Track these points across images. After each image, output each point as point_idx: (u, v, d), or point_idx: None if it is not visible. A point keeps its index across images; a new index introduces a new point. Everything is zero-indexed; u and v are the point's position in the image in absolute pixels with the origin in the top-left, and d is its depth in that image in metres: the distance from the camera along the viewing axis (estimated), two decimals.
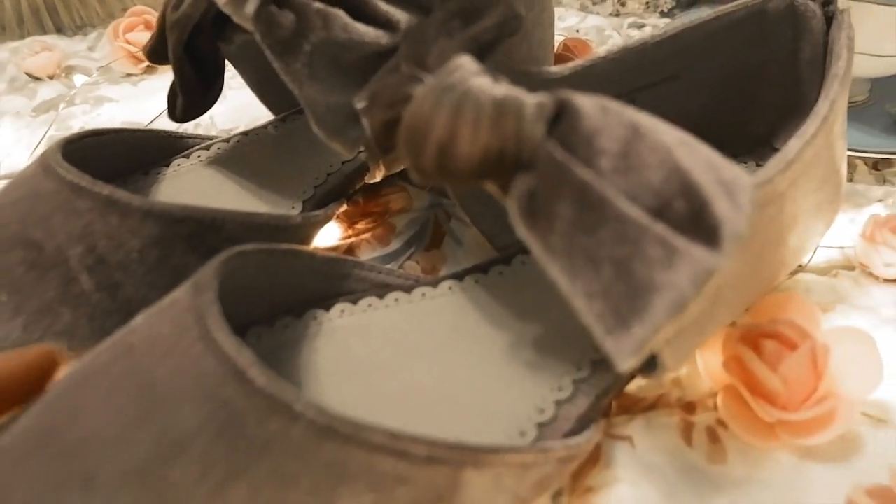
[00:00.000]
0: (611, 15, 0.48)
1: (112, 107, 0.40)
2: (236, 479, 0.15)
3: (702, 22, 0.26)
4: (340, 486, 0.16)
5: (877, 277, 0.27)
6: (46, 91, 0.42)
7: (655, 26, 0.46)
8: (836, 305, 0.26)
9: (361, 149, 0.30)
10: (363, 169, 0.31)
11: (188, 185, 0.30)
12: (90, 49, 0.46)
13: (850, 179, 0.33)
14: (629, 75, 0.27)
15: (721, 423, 0.22)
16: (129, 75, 0.43)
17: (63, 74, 0.43)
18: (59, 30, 0.48)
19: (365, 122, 0.21)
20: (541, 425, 0.21)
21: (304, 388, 0.22)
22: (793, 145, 0.20)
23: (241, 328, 0.23)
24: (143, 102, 0.40)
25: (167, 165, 0.30)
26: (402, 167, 0.31)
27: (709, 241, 0.15)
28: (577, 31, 0.46)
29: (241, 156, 0.31)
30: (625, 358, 0.15)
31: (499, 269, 0.25)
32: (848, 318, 0.26)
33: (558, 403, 0.21)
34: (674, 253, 0.15)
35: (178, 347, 0.17)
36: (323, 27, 0.23)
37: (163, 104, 0.40)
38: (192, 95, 0.28)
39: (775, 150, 0.27)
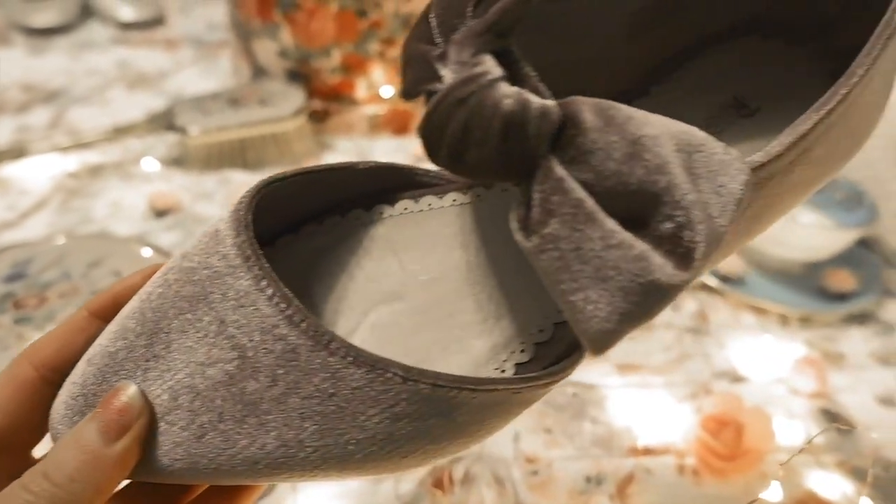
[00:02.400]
0: None
1: None
2: (293, 392, 0.20)
3: None
4: (364, 405, 0.20)
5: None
6: None
7: None
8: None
9: None
10: None
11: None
12: None
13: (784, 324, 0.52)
14: None
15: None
16: None
17: None
18: (244, 165, 0.67)
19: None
20: (518, 365, 0.24)
21: (332, 295, 0.26)
22: (808, 117, 0.20)
23: (294, 224, 0.27)
24: None
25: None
26: None
27: (683, 259, 0.17)
28: None
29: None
30: (595, 352, 0.18)
31: (503, 186, 0.25)
32: None
33: (537, 345, 0.24)
34: (648, 271, 0.17)
35: (233, 287, 0.21)
36: None
37: None
38: None
39: (837, 45, 0.26)
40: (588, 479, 0.40)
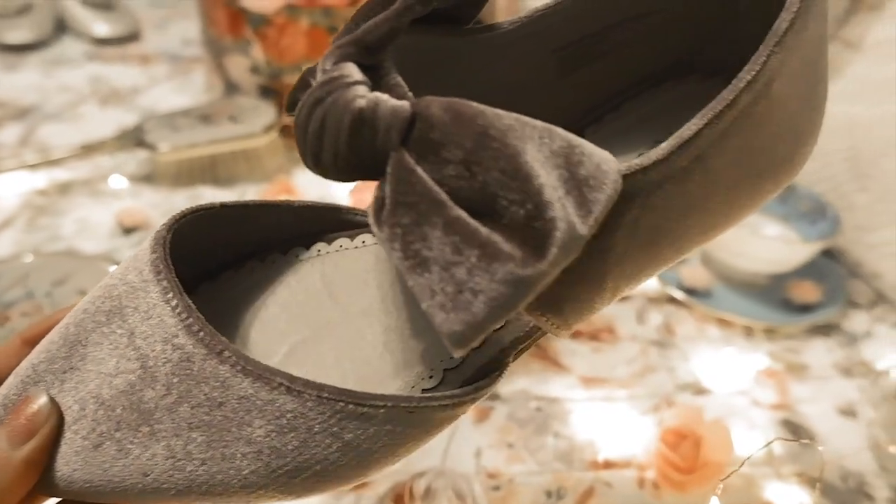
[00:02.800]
0: None
1: None
2: (184, 400, 0.21)
3: None
4: (250, 415, 0.21)
5: None
6: None
7: None
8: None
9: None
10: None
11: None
12: (240, 198, 0.65)
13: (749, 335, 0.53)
14: (599, 12, 0.27)
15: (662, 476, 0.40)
16: None
17: None
18: (215, 182, 0.67)
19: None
20: (425, 390, 0.24)
21: (246, 329, 0.26)
22: (693, 123, 0.20)
23: (215, 270, 0.28)
24: None
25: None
26: None
27: (536, 249, 0.16)
28: None
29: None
30: (455, 350, 0.17)
31: None
32: None
33: (446, 371, 0.24)
34: (494, 258, 0.16)
35: (144, 300, 0.22)
36: None
37: None
38: None
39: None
40: (549, 494, 0.40)
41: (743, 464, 0.32)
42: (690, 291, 0.55)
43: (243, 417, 0.21)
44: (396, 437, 0.22)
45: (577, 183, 0.18)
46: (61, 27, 0.95)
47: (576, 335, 0.52)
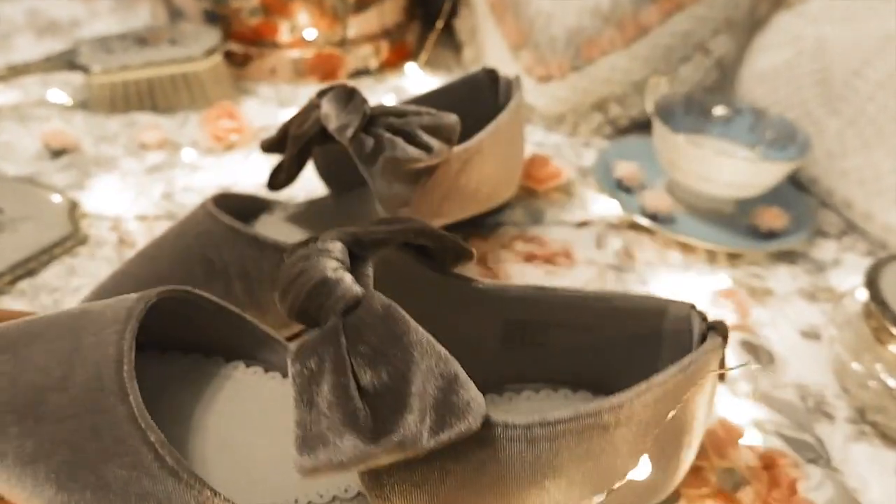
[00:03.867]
0: (568, 135, 0.65)
1: (205, 173, 0.55)
2: (75, 419, 0.26)
3: (611, 297, 0.33)
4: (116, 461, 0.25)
5: None
6: (153, 157, 0.57)
7: (600, 147, 0.63)
8: None
9: None
10: None
11: (283, 230, 0.45)
12: (180, 126, 0.62)
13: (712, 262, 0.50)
14: (545, 312, 0.34)
15: None
16: (211, 150, 0.58)
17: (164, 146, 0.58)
18: (154, 109, 0.63)
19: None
20: None
21: (179, 416, 0.31)
22: (557, 413, 0.26)
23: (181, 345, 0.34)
24: (225, 171, 0.56)
25: (257, 217, 0.45)
26: None
27: (381, 434, 0.22)
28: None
29: (311, 214, 0.46)
30: (304, 475, 0.22)
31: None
32: None
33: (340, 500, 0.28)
34: (350, 426, 0.22)
35: (98, 348, 0.27)
36: (390, 148, 0.39)
37: (238, 175, 0.55)
38: (290, 176, 0.44)
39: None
40: None
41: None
42: (653, 217, 0.53)
43: (111, 458, 0.25)
44: None
45: (446, 406, 0.22)
46: None
47: (530, 258, 0.49)
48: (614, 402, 0.26)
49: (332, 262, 0.25)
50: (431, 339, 0.23)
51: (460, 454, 0.25)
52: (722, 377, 0.30)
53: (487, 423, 0.24)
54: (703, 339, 0.30)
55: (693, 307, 0.31)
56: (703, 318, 0.31)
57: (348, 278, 0.24)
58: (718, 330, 0.29)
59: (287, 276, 0.25)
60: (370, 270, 0.26)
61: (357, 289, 0.24)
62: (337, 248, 0.25)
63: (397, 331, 0.23)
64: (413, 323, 0.24)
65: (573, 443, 0.26)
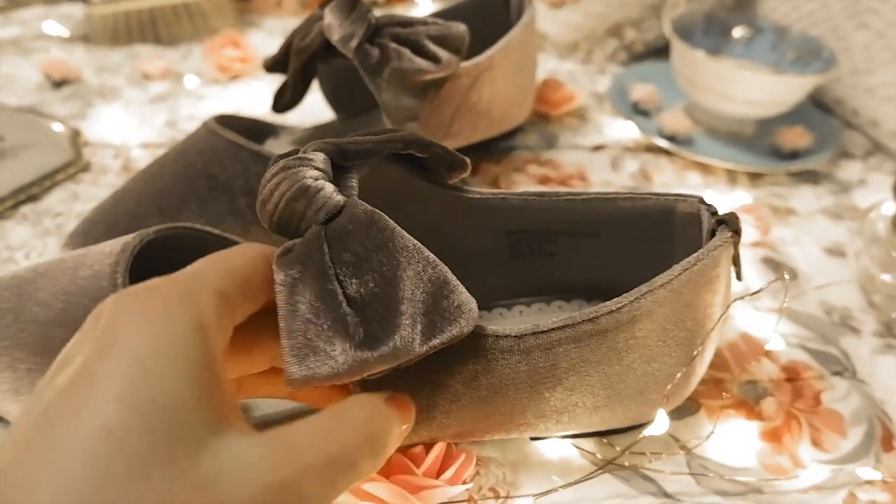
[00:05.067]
0: (582, 62, 0.63)
1: (209, 102, 0.54)
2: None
3: (615, 197, 0.31)
4: None
5: None
6: (156, 87, 0.56)
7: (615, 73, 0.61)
8: None
9: None
10: None
11: None
12: (183, 58, 0.60)
13: (733, 182, 0.48)
14: (549, 220, 0.32)
15: None
16: (216, 80, 0.57)
17: (168, 76, 0.57)
18: (157, 41, 0.62)
19: None
20: None
21: None
22: (553, 322, 0.25)
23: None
24: (230, 100, 0.54)
25: (263, 143, 0.44)
26: None
27: (373, 341, 0.21)
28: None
29: (318, 139, 0.45)
30: (295, 386, 0.21)
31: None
32: None
33: None
34: (339, 333, 0.21)
35: (93, 280, 0.27)
36: (396, 59, 0.37)
37: (243, 103, 0.54)
38: (295, 96, 0.42)
39: None
40: None
41: (735, 299, 0.29)
42: (671, 138, 0.51)
43: None
44: None
45: (436, 310, 0.22)
46: None
47: (544, 180, 0.47)
48: (611, 306, 0.25)
49: (313, 172, 0.23)
50: (418, 244, 0.22)
51: (452, 367, 0.24)
52: (738, 276, 0.28)
53: (477, 334, 0.24)
54: (712, 234, 0.28)
55: (702, 200, 0.29)
56: (713, 212, 0.29)
57: (329, 187, 0.23)
58: (729, 224, 0.27)
59: (267, 187, 0.24)
60: (354, 181, 0.25)
61: (338, 197, 0.23)
62: (319, 157, 0.24)
63: (382, 237, 0.22)
64: (398, 229, 0.23)
65: (571, 351, 0.25)
